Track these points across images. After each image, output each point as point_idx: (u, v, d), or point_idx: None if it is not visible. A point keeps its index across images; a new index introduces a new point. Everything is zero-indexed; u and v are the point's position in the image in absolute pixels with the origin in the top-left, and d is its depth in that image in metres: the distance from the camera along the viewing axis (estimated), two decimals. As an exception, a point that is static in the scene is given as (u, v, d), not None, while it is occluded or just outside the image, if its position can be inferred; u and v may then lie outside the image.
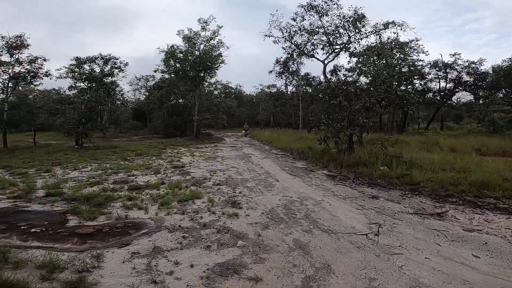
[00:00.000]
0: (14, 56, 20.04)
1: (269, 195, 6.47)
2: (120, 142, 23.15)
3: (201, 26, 24.71)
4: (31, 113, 21.36)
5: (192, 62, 24.35)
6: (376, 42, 16.61)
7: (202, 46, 24.98)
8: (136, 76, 41.80)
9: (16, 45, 20.19)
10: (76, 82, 21.54)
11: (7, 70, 18.87)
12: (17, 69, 20.80)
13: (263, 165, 10.56)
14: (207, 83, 30.85)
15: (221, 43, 25.59)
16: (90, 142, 19.17)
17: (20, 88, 35.35)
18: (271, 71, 30.63)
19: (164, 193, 6.47)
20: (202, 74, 25.42)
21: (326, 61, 15.49)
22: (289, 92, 37.18)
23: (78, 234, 4.00)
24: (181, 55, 24.33)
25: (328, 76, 30.78)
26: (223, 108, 33.50)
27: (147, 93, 36.73)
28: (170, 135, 30.22)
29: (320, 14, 15.70)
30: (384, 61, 17.04)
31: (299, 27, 15.73)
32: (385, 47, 17.65)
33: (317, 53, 16.02)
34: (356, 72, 25.59)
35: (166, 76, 25.49)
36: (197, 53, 24.68)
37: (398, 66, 23.45)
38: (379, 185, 7.49)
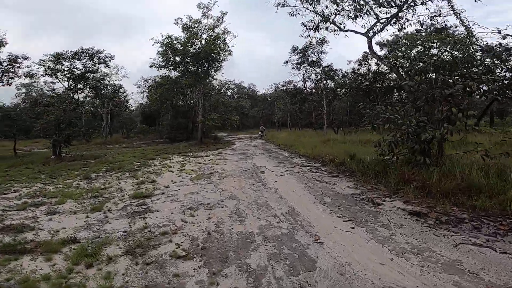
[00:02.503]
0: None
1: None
2: (112, 150, 19.81)
3: (202, 12, 20.92)
4: (12, 119, 18.37)
5: (194, 53, 20.57)
6: (437, 13, 11.58)
7: (204, 36, 21.16)
8: (143, 77, 38.73)
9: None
10: (58, 81, 18.53)
11: None
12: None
13: (283, 190, 6.33)
14: (214, 79, 27.05)
15: (227, 32, 21.67)
16: (69, 151, 15.85)
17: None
18: (287, 61, 26.15)
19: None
20: (206, 67, 21.56)
21: (370, 33, 10.89)
22: (307, 88, 32.63)
23: None
24: (180, 46, 20.59)
25: (356, 65, 26.00)
26: (233, 107, 29.54)
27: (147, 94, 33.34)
28: (175, 139, 26.68)
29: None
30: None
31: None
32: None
33: (354, 22, 11.43)
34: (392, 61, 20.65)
35: (164, 71, 21.85)
36: (199, 44, 20.88)
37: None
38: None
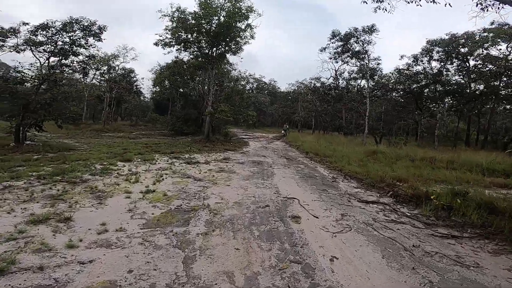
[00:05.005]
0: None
1: None
2: (101, 139, 16.30)
3: (224, -18, 16.84)
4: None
5: (209, 31, 16.59)
6: None
7: (224, 12, 17.06)
8: (159, 63, 35.29)
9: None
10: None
11: None
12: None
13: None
14: (233, 69, 23.03)
15: (251, 10, 17.49)
16: (34, 137, 12.53)
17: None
18: (324, 49, 21.52)
19: None
20: (222, 49, 17.51)
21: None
22: (340, 86, 27.88)
23: None
24: (193, 21, 16.65)
25: (410, 61, 20.95)
26: (252, 102, 25.46)
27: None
28: (181, 132, 22.96)
29: None
30: None
31: None
32: None
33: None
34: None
35: (171, 49, 17.99)
36: (216, 21, 16.87)
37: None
38: None
